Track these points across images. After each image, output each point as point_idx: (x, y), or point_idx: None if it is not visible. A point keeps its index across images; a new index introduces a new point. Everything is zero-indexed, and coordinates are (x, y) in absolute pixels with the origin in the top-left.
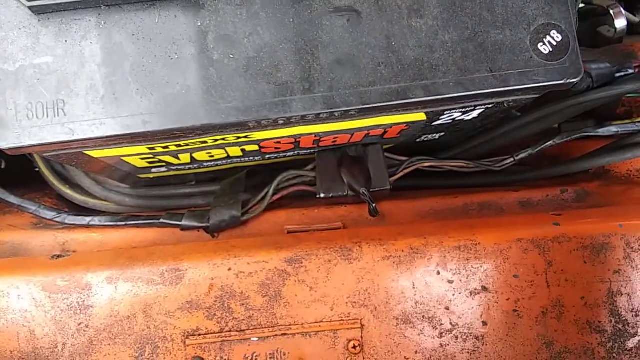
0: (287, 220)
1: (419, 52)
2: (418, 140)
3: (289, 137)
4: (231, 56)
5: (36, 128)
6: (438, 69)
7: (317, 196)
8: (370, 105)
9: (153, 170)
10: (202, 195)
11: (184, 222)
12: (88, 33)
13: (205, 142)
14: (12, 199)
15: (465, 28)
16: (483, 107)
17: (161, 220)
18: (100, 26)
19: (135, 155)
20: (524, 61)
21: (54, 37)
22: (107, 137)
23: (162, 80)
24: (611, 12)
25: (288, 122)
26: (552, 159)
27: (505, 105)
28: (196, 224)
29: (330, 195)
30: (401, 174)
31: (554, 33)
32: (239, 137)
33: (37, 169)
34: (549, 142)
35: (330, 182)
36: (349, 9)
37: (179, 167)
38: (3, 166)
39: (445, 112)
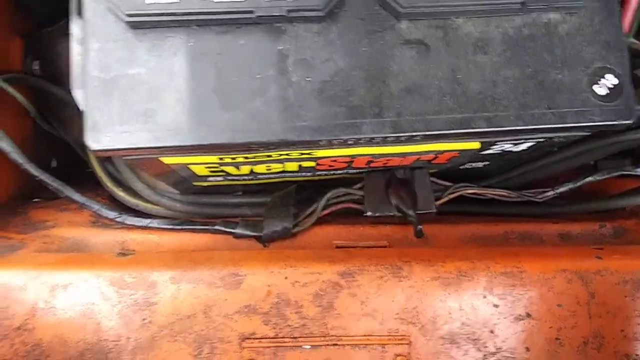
0: (334, 235)
1: (483, 86)
2: (462, 167)
3: (346, 156)
4: (308, 79)
5: (127, 133)
6: (500, 103)
7: (365, 214)
8: (435, 132)
9: (210, 178)
10: (249, 205)
11: (238, 230)
12: (178, 50)
13: (270, 156)
14: (77, 197)
15: (527, 66)
16: (535, 140)
17: (216, 227)
18: (190, 44)
19: (202, 164)
20: (581, 101)
21: (147, 51)
22: (189, 146)
23: (244, 97)
24: None
25: (356, 143)
26: (588, 195)
27: (556, 140)
28: (249, 233)
29: (377, 215)
30: (446, 198)
31: (609, 76)
32: (302, 153)
33: (89, 170)
34: (589, 178)
35: (377, 201)
36: (419, 42)
37: (235, 178)
38: (54, 165)
39: (497, 143)
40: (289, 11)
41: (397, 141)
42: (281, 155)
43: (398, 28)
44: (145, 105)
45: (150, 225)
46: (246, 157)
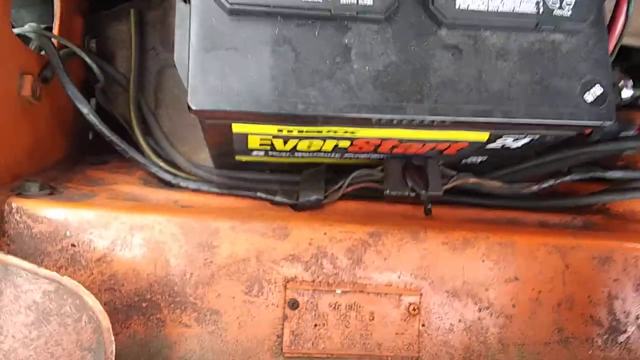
0: (355, 209)
1: (501, 86)
2: (462, 162)
3: (378, 138)
4: (366, 68)
5: (220, 98)
6: (513, 100)
7: (385, 192)
8: (462, 119)
9: (254, 152)
10: (277, 182)
11: (277, 198)
12: (266, 35)
13: (320, 131)
14: (141, 158)
15: (535, 73)
16: (532, 136)
17: (258, 194)
18: (275, 31)
19: (260, 134)
20: (574, 104)
21: (241, 34)
22: (268, 113)
23: (315, 77)
24: (620, 83)
25: (399, 124)
26: (563, 193)
27: (548, 138)
28: (287, 200)
29: (394, 194)
30: (452, 184)
31: (597, 87)
32: (346, 131)
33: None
34: (567, 177)
35: (395, 182)
36: (454, 47)
37: (274, 154)
38: (91, 137)
39: (503, 136)
40: (357, 12)
41: (431, 125)
42: (329, 131)
43: (439, 34)
44: (236, 77)
45: (201, 188)
46: (300, 131)
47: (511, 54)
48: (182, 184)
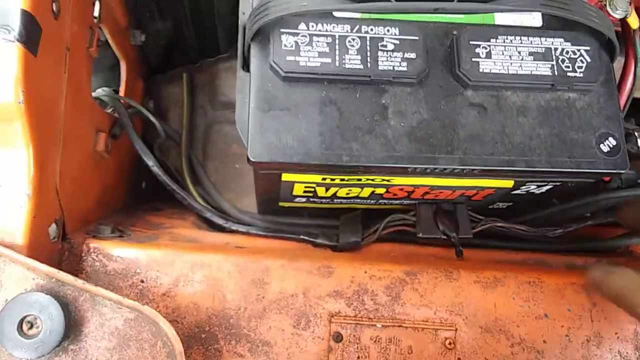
0: (390, 250)
1: (523, 138)
2: (490, 207)
3: (412, 186)
4: (402, 124)
5: (276, 151)
6: (534, 151)
7: (418, 235)
8: (489, 168)
9: (296, 199)
10: (316, 226)
11: (319, 240)
12: (315, 97)
13: (360, 179)
14: (196, 204)
15: (553, 127)
16: (554, 183)
17: (301, 236)
18: (323, 94)
19: (305, 183)
20: (591, 154)
21: (294, 97)
22: (316, 164)
23: (357, 133)
24: (636, 134)
25: (432, 172)
26: (588, 237)
27: (569, 185)
28: (327, 242)
29: (426, 236)
30: (481, 228)
31: (610, 139)
32: (383, 179)
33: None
34: (589, 222)
35: (427, 226)
36: (479, 105)
37: (315, 200)
38: (144, 186)
39: (527, 183)
40: (394, 77)
41: (461, 174)
42: (368, 180)
43: (465, 94)
44: (289, 133)
45: (250, 231)
46: (342, 179)
47: (530, 110)
48: (233, 227)
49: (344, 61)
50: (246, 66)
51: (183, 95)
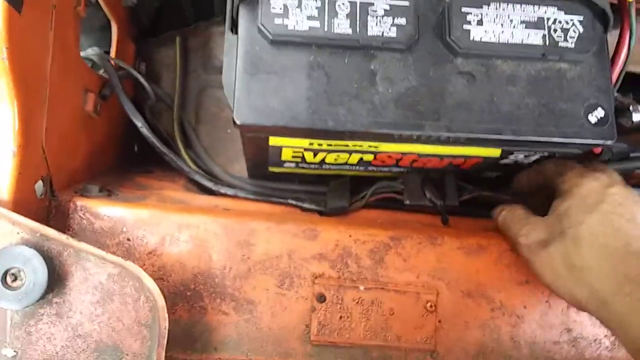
0: (377, 216)
1: (511, 108)
2: (480, 176)
3: (399, 153)
4: (389, 90)
5: (262, 114)
6: (522, 121)
7: (405, 202)
8: (475, 136)
9: (285, 164)
10: (305, 192)
11: (306, 205)
12: (302, 62)
13: (347, 145)
14: (185, 166)
15: (542, 97)
16: (541, 153)
17: (289, 200)
18: (311, 59)
19: (293, 147)
20: (578, 125)
21: (280, 60)
22: (302, 128)
23: (344, 98)
24: (631, 107)
25: (418, 139)
26: None
27: (556, 155)
28: (314, 207)
29: (414, 203)
30: (467, 196)
31: (599, 109)
32: (370, 146)
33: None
34: None
35: (414, 193)
36: (468, 74)
37: (304, 166)
38: (136, 149)
39: (514, 153)
40: (383, 43)
41: (447, 141)
42: (355, 145)
43: (455, 62)
44: (276, 97)
45: (238, 194)
46: (329, 145)
47: (520, 80)
48: (222, 190)
49: (333, 26)
50: (234, 28)
51: (176, 59)
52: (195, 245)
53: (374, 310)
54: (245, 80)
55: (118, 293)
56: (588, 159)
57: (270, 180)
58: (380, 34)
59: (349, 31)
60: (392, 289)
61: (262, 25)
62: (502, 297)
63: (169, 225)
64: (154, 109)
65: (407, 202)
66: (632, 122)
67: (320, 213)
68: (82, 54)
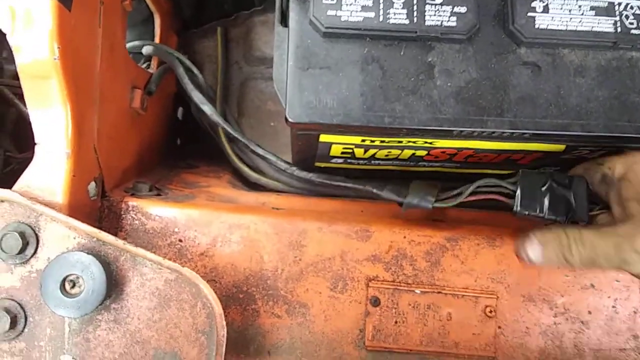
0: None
1: (579, 101)
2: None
3: (454, 148)
4: (449, 84)
5: (315, 111)
6: (591, 114)
7: (514, 210)
8: (541, 132)
9: (333, 160)
10: (353, 189)
11: (384, 193)
12: (356, 54)
13: (401, 141)
14: (260, 150)
15: (613, 89)
16: (609, 149)
17: (367, 187)
18: (365, 51)
19: (343, 144)
20: None
21: (334, 54)
22: (356, 126)
23: (401, 93)
24: None
25: (479, 136)
26: None
27: (623, 151)
28: (394, 197)
29: (527, 213)
30: (599, 212)
31: None
32: (426, 142)
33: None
34: None
35: (530, 200)
36: (533, 64)
37: (352, 161)
38: (179, 142)
39: (579, 148)
40: (442, 33)
41: (511, 137)
42: (409, 142)
43: (518, 52)
44: (329, 93)
45: (312, 178)
46: (382, 141)
47: (589, 70)
48: (296, 173)
49: (388, 16)
50: (284, 21)
51: (217, 50)
52: (246, 246)
53: (430, 315)
54: (297, 76)
55: (175, 299)
56: None
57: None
58: (439, 23)
59: (406, 21)
60: (449, 293)
61: (314, 17)
62: (565, 301)
63: (220, 225)
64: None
65: (518, 209)
66: None
67: (400, 205)
68: (128, 45)
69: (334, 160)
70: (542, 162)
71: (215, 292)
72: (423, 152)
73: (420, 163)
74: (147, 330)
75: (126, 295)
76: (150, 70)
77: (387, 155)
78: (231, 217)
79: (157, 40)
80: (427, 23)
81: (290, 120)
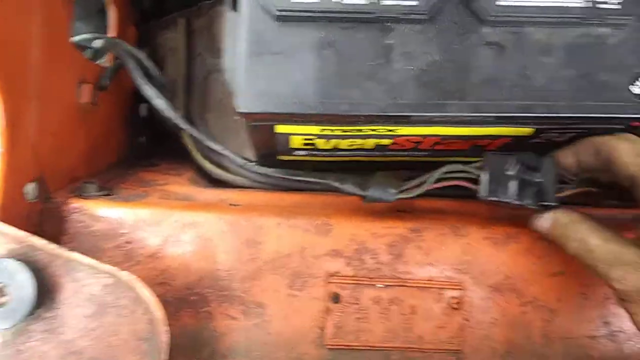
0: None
1: (545, 81)
2: None
3: (419, 135)
4: (409, 67)
5: (267, 101)
6: (558, 95)
7: (479, 195)
8: (505, 114)
9: (295, 152)
10: (315, 184)
11: (346, 187)
12: (311, 39)
13: (361, 130)
14: (215, 145)
15: (581, 68)
16: (577, 131)
17: (328, 181)
18: (321, 35)
19: (303, 135)
20: (622, 98)
21: (287, 39)
22: (312, 114)
23: (358, 78)
24: None
25: (441, 121)
26: None
27: (597, 132)
28: (356, 191)
29: (492, 199)
30: (571, 192)
31: None
32: (389, 130)
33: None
34: None
35: (496, 185)
36: (497, 44)
37: (316, 153)
38: (143, 140)
39: (548, 131)
40: (401, 14)
41: (474, 121)
42: (371, 130)
43: (482, 32)
44: (282, 80)
45: (270, 173)
46: (343, 130)
47: (555, 49)
48: (253, 169)
49: None
50: (235, 5)
51: (179, 42)
52: (199, 245)
53: (393, 310)
54: (248, 63)
55: (113, 305)
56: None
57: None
58: (399, 3)
59: (363, 1)
60: (413, 286)
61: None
62: (533, 290)
63: (171, 224)
64: None
65: (483, 195)
66: None
67: (363, 198)
68: (77, 39)
69: (296, 152)
70: (512, 147)
71: (167, 295)
72: (388, 141)
73: (387, 152)
74: (83, 340)
75: (60, 303)
76: (105, 64)
77: (350, 146)
78: (183, 216)
79: (111, 32)
80: (385, 2)
81: (241, 110)
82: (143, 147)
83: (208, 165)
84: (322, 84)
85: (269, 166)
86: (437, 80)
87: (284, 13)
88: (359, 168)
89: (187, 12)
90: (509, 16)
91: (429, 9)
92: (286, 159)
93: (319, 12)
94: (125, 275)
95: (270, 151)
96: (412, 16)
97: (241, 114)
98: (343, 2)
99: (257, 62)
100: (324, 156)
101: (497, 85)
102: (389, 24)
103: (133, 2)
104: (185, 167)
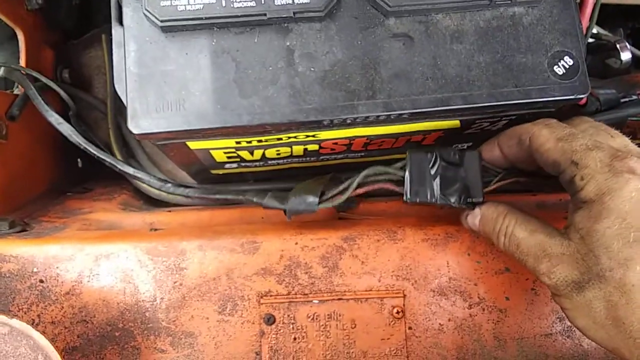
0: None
1: (459, 70)
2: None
3: (345, 138)
4: (312, 69)
5: (162, 119)
6: (474, 83)
7: (405, 198)
8: (420, 110)
9: (226, 165)
10: (256, 192)
11: (266, 201)
12: (203, 48)
13: (280, 139)
14: (129, 169)
15: (496, 52)
16: (508, 118)
17: (247, 197)
18: (212, 43)
19: (221, 149)
20: (543, 79)
21: (177, 50)
22: (213, 128)
23: (258, 86)
24: (618, 46)
25: (353, 123)
26: None
27: (526, 117)
28: (277, 205)
29: (417, 200)
30: (498, 184)
31: (566, 58)
32: (307, 136)
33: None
34: None
35: (420, 185)
36: (404, 35)
37: (248, 164)
38: (80, 165)
39: (476, 122)
40: (295, 13)
41: (388, 120)
42: (290, 137)
43: (386, 24)
44: (176, 95)
45: (189, 194)
46: (260, 141)
47: (467, 35)
48: (171, 190)
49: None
50: (121, 18)
51: (104, 60)
52: (118, 277)
53: (332, 325)
54: (137, 80)
55: (12, 355)
56: (572, 112)
57: (219, 183)
58: (291, 1)
59: (252, 3)
60: (350, 298)
61: (147, 10)
62: (479, 290)
63: (85, 258)
64: (88, 120)
65: (408, 197)
66: (621, 61)
67: (286, 212)
68: None
69: (227, 166)
70: (447, 140)
71: (88, 334)
72: (315, 147)
73: (321, 157)
74: None
75: None
76: (16, 93)
77: (278, 154)
78: (97, 248)
79: (22, 57)
80: (276, 2)
81: (134, 131)
82: (79, 171)
83: (144, 186)
84: (219, 95)
85: (207, 182)
86: (344, 81)
87: (169, 23)
88: (299, 175)
89: (109, 28)
90: (413, 4)
91: (324, 5)
92: (221, 172)
93: (207, 18)
94: (17, 323)
95: (199, 167)
96: (308, 14)
97: (136, 135)
98: (233, 5)
99: (146, 79)
100: (257, 167)
101: (408, 79)
102: (285, 24)
103: (47, 24)
104: (121, 189)
